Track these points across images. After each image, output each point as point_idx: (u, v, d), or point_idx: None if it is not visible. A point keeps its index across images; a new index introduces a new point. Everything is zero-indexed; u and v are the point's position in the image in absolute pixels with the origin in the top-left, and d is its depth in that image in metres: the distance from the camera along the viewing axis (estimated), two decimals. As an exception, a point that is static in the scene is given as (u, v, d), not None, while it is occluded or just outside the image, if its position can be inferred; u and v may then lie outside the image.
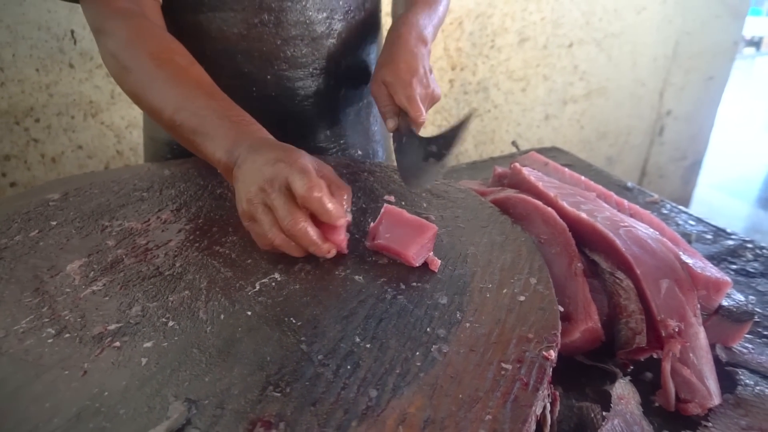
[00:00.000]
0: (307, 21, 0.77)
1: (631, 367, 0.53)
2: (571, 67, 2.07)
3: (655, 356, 0.53)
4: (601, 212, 0.61)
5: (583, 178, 0.75)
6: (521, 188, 0.71)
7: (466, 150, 2.00)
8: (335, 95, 0.84)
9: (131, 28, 0.66)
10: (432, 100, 0.71)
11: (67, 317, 0.48)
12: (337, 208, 0.52)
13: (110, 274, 0.55)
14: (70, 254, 0.58)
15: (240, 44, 0.76)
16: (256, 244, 0.59)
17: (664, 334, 0.50)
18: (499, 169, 0.81)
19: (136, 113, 1.40)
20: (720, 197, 3.18)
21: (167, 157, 0.88)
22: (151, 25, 0.69)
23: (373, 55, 0.90)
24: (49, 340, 0.45)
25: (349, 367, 0.42)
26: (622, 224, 0.58)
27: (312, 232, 0.52)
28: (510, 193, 0.70)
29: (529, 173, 0.72)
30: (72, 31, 1.28)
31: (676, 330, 0.49)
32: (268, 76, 0.79)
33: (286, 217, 0.51)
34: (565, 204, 0.63)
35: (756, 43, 7.34)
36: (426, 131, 0.69)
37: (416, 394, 0.40)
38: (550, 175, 0.77)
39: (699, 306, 0.52)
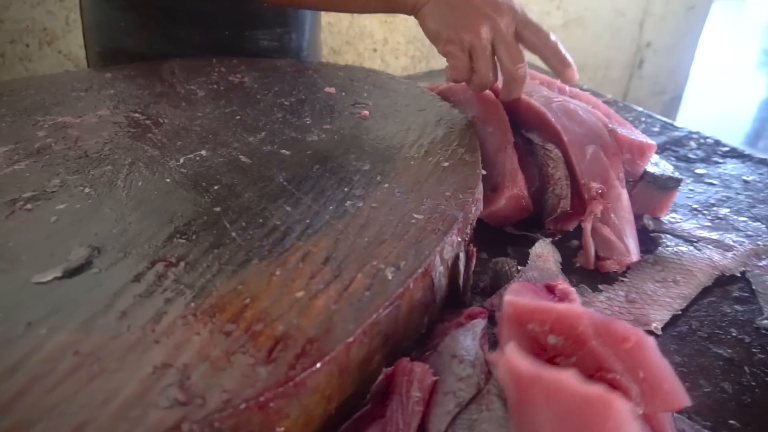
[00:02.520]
0: None
1: (559, 236, 0.54)
2: (548, -5, 2.02)
3: (582, 225, 0.54)
4: (538, 92, 0.61)
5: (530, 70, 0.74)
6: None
7: (442, 83, 1.96)
8: None
9: None
10: None
11: (-18, 189, 0.47)
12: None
13: (35, 157, 0.54)
14: (-5, 142, 0.57)
15: None
16: (188, 132, 0.58)
17: (587, 197, 0.50)
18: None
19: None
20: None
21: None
22: None
23: None
24: (-41, 205, 0.44)
25: (260, 221, 0.42)
26: (555, 99, 0.58)
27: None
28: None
29: (474, 65, 0.70)
30: (18, -50, 1.22)
31: (599, 192, 0.49)
32: None
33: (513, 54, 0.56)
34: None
35: (748, -17, 7.18)
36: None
37: (322, 238, 0.40)
38: (498, 70, 0.75)
39: (624, 170, 0.52)
